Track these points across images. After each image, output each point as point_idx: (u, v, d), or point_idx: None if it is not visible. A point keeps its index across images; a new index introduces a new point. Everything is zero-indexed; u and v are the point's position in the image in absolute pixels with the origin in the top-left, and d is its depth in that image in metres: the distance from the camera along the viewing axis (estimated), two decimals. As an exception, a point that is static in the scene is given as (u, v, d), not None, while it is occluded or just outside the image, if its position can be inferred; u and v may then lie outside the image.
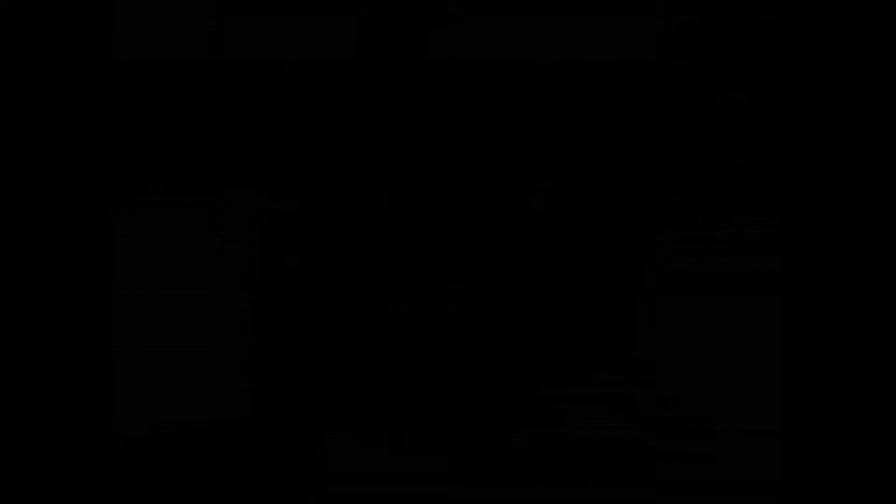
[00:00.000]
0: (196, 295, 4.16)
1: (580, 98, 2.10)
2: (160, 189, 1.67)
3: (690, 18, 9.12)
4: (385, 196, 1.88)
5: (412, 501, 1.72)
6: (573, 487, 1.76)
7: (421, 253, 1.95)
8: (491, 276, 2.01)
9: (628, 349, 2.24)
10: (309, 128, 1.88)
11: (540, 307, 2.11)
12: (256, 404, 1.87)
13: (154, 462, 2.54)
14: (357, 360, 1.93)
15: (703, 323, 3.96)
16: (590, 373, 2.27)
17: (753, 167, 6.88)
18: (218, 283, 2.12)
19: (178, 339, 3.80)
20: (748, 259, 5.19)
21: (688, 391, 2.49)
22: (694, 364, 3.42)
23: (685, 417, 2.05)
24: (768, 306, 3.27)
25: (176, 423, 2.83)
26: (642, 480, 1.78)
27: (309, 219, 1.84)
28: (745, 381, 3.26)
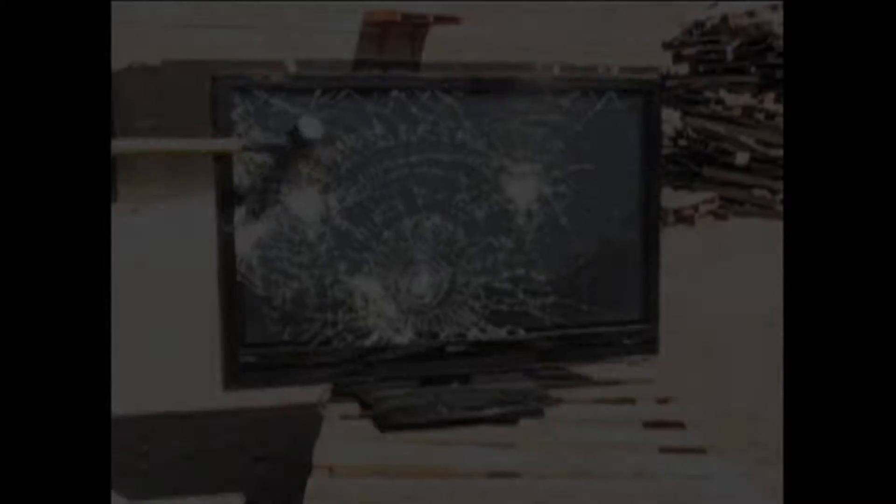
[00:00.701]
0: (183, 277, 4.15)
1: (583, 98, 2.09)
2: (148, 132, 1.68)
3: (689, 26, 9.02)
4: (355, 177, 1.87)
5: (405, 495, 1.71)
6: (572, 484, 1.76)
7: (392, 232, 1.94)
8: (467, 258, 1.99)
9: (654, 349, 2.21)
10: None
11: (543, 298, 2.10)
12: (225, 384, 1.86)
13: (146, 449, 2.54)
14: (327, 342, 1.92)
15: (704, 323, 3.96)
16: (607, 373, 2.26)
17: (753, 167, 6.84)
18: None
19: (168, 324, 3.81)
20: (749, 258, 5.19)
21: (688, 391, 2.50)
22: (694, 365, 3.42)
23: (685, 417, 2.05)
24: (768, 305, 3.27)
25: (165, 410, 2.83)
26: (642, 479, 1.78)
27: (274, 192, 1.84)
28: (745, 381, 3.27)
